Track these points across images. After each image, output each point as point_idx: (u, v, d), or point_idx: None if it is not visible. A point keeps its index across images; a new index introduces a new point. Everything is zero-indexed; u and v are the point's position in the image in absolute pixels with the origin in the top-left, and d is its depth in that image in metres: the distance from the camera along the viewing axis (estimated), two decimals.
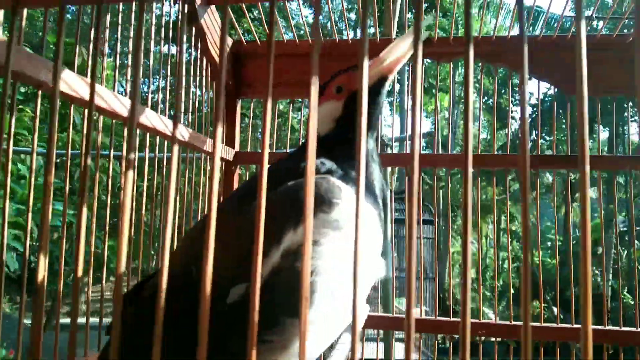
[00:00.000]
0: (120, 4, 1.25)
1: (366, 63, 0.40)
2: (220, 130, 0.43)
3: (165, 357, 0.40)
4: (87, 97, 0.99)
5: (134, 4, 1.19)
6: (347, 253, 0.78)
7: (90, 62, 1.00)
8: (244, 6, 1.67)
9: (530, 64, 1.67)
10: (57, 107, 0.47)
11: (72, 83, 0.94)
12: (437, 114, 2.09)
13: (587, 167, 0.37)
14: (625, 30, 1.72)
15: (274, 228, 0.76)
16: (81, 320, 1.27)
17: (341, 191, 0.82)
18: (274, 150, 1.99)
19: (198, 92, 1.66)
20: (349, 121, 0.94)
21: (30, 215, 1.02)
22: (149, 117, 1.21)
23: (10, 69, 0.53)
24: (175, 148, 0.44)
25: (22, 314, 1.02)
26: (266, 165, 0.41)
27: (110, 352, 0.42)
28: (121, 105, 1.11)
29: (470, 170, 0.41)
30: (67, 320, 1.06)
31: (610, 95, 1.70)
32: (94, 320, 1.44)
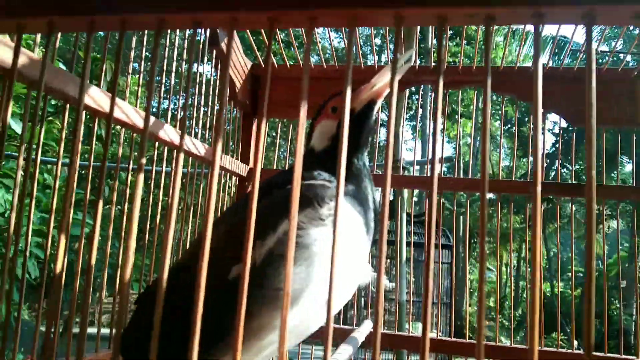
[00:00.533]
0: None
1: (349, 91, 0.44)
2: (219, 145, 0.47)
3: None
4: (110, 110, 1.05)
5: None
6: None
7: (113, 78, 1.07)
8: (263, 31, 1.74)
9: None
10: (81, 119, 0.51)
11: (97, 98, 1.00)
12: (459, 140, 2.12)
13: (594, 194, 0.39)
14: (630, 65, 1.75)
15: (272, 219, 0.88)
16: (93, 330, 1.30)
17: (333, 194, 0.90)
18: (286, 167, 2.04)
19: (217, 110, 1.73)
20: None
21: (52, 224, 1.07)
22: (167, 132, 1.26)
23: (43, 83, 0.58)
24: (181, 157, 0.48)
25: (39, 320, 1.06)
26: (259, 174, 0.45)
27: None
28: (140, 119, 1.17)
29: (487, 195, 0.44)
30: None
31: (616, 126, 1.73)
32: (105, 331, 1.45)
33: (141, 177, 0.48)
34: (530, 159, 2.84)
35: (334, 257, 0.44)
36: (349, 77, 0.45)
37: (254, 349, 0.88)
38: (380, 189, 1.42)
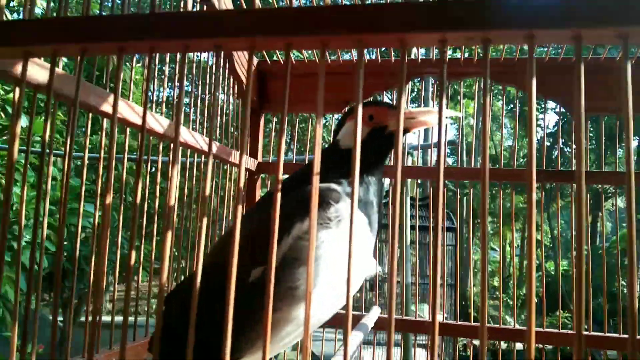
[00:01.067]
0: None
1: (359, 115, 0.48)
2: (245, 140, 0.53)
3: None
4: (134, 119, 1.11)
5: None
6: (339, 243, 0.96)
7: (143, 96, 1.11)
8: None
9: (540, 85, 1.75)
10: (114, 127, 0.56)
11: (124, 112, 1.06)
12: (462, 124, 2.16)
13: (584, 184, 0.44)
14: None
15: (286, 224, 0.95)
16: (107, 318, 1.35)
17: (340, 197, 0.99)
18: (295, 160, 2.10)
19: (226, 109, 1.79)
20: (368, 146, 1.04)
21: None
22: (184, 135, 1.33)
23: (77, 101, 0.63)
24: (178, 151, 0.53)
25: (56, 312, 1.11)
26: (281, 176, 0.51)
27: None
28: (156, 122, 1.23)
29: (487, 183, 0.49)
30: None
31: (615, 114, 1.78)
32: (119, 318, 1.50)
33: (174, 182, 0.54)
34: (534, 138, 2.87)
35: (351, 250, 0.49)
36: (359, 97, 0.49)
37: (272, 340, 0.96)
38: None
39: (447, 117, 1.11)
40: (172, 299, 1.08)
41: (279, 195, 0.54)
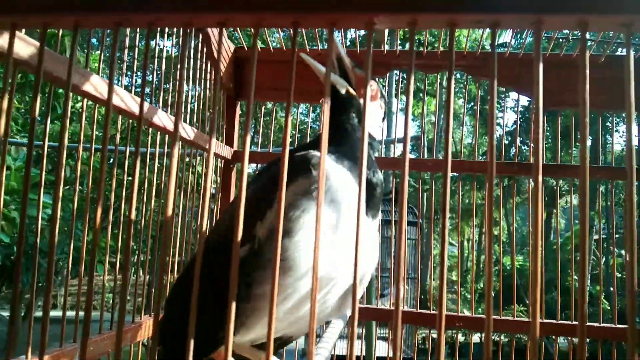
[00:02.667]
0: None
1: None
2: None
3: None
4: (104, 95, 1.07)
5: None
6: (325, 211, 0.95)
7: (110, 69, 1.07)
8: None
9: (513, 79, 1.79)
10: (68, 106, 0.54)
11: (97, 85, 1.02)
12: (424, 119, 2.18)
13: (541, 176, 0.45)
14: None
15: (267, 199, 0.98)
16: (58, 313, 1.27)
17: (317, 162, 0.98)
18: (259, 149, 2.08)
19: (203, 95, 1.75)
20: (335, 112, 1.10)
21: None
22: (160, 118, 1.29)
23: (42, 69, 0.60)
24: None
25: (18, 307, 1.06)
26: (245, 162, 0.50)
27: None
28: (121, 101, 1.19)
29: (450, 174, 0.49)
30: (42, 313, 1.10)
31: (597, 109, 1.85)
32: (71, 313, 1.40)
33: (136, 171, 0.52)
34: (495, 136, 2.94)
35: (359, 220, 0.49)
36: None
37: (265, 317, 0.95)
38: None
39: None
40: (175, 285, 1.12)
41: (243, 185, 0.53)
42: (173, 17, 0.53)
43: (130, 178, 1.46)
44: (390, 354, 3.12)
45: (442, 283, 0.48)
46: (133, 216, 0.56)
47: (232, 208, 1.12)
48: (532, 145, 3.63)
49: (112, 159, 1.68)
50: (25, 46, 0.78)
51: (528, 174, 1.99)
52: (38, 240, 1.03)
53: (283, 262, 0.91)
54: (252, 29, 0.55)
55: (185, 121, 1.57)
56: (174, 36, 1.59)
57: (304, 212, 0.94)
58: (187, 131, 1.49)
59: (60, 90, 6.13)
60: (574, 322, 1.88)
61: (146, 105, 1.28)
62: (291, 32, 0.54)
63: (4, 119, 0.57)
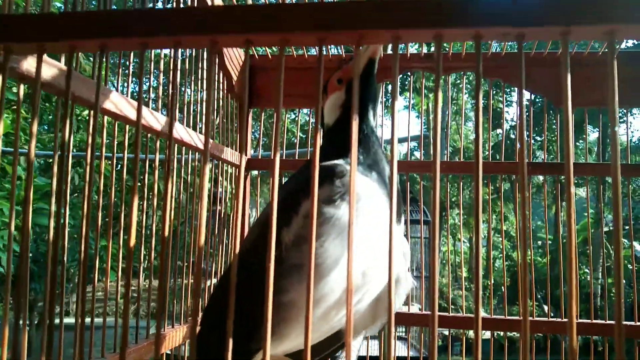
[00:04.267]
0: None
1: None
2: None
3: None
4: (130, 115, 1.08)
5: None
6: (357, 217, 0.96)
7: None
8: None
9: (526, 77, 1.79)
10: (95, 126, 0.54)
11: (118, 104, 1.03)
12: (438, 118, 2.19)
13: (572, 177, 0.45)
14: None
15: (294, 206, 0.99)
16: (70, 320, 1.26)
17: (345, 171, 1.00)
18: (284, 155, 2.08)
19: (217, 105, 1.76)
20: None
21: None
22: (178, 130, 1.31)
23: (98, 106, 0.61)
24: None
25: (25, 315, 1.05)
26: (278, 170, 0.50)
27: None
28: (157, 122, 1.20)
29: (439, 174, 0.49)
30: (58, 320, 1.09)
31: (596, 107, 1.84)
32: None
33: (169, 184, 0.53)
34: (499, 131, 2.93)
35: (391, 229, 0.49)
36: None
37: (297, 325, 0.95)
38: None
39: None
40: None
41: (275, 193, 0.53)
42: (198, 38, 0.53)
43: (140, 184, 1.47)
44: (406, 353, 3.12)
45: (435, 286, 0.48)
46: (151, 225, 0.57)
47: (262, 215, 1.14)
48: (538, 140, 3.61)
49: (119, 165, 1.69)
50: (47, 68, 0.79)
51: (530, 173, 1.98)
52: (66, 247, 1.02)
53: (315, 267, 0.91)
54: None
55: (195, 129, 1.57)
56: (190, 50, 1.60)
57: (331, 218, 0.95)
58: (201, 140, 1.50)
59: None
60: (595, 321, 1.86)
61: (164, 117, 1.29)
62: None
63: (33, 143, 0.58)
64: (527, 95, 2.17)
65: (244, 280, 0.79)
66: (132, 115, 1.09)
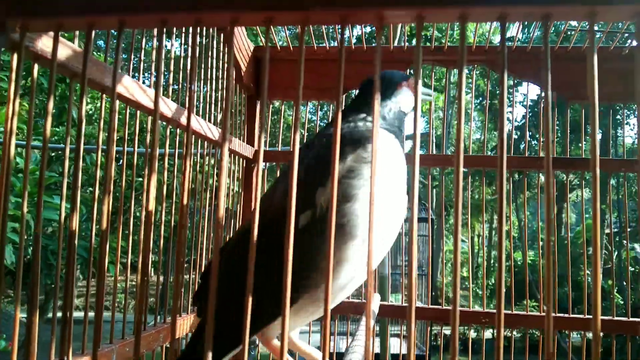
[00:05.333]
0: None
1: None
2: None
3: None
4: (146, 103, 1.07)
5: None
6: (380, 177, 1.00)
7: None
8: None
9: (536, 72, 1.78)
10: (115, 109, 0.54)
11: (128, 86, 1.02)
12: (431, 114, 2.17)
13: (598, 170, 0.44)
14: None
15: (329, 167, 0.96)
16: (77, 314, 1.26)
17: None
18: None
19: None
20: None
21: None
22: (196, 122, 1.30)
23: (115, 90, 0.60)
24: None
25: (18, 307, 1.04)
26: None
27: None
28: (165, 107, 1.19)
29: (462, 169, 0.49)
30: (60, 314, 1.09)
31: (609, 102, 1.83)
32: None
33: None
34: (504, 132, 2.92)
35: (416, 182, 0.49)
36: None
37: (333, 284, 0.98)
38: None
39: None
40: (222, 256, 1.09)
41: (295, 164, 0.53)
42: (219, 15, 0.52)
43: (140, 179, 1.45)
44: (404, 351, 3.11)
45: (456, 274, 0.48)
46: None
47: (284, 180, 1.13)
48: (541, 141, 3.61)
49: (120, 160, 1.67)
50: (62, 48, 0.78)
51: (539, 168, 1.97)
52: (78, 240, 1.01)
53: (342, 227, 0.94)
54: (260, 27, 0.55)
55: (209, 120, 1.56)
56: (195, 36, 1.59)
57: (361, 179, 0.98)
58: (213, 132, 1.50)
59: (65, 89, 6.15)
60: (587, 316, 1.87)
61: (174, 104, 1.28)
62: (299, 28, 0.53)
63: (49, 121, 0.57)
64: (532, 95, 2.16)
65: (270, 241, 0.77)
66: (144, 101, 1.08)
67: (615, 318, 1.86)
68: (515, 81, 2.14)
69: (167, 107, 1.23)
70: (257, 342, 1.76)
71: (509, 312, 1.92)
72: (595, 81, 0.49)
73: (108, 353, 1.09)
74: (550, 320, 0.48)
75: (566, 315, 1.90)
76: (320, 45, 1.95)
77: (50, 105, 0.56)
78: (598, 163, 0.48)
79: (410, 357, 0.49)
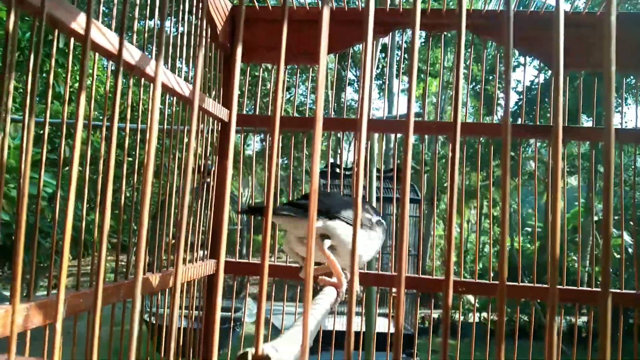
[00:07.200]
0: None
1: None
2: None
3: None
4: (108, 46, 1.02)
5: None
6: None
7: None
8: None
9: (520, 39, 1.72)
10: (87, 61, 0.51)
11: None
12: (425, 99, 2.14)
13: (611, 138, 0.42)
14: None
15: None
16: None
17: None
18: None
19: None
20: None
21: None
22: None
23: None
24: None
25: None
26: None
27: None
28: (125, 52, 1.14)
29: (459, 138, 0.46)
30: (43, 292, 1.08)
31: (593, 69, 1.78)
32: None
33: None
34: (495, 117, 2.89)
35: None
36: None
37: None
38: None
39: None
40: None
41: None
42: None
43: (130, 159, 1.42)
44: (391, 330, 3.12)
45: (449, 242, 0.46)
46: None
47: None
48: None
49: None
50: None
51: (547, 136, 1.92)
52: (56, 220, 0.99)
53: None
54: None
55: (173, 70, 1.50)
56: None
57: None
58: (182, 87, 1.43)
59: (60, 70, 6.07)
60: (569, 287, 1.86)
61: (139, 52, 1.23)
62: None
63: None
64: (522, 80, 2.12)
65: None
66: (109, 47, 1.03)
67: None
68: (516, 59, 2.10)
69: (130, 54, 1.17)
70: (242, 319, 1.82)
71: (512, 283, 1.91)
72: (612, 48, 0.46)
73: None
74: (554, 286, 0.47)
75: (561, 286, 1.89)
76: (301, 5, 1.89)
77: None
78: (613, 133, 0.45)
79: (398, 315, 0.47)
